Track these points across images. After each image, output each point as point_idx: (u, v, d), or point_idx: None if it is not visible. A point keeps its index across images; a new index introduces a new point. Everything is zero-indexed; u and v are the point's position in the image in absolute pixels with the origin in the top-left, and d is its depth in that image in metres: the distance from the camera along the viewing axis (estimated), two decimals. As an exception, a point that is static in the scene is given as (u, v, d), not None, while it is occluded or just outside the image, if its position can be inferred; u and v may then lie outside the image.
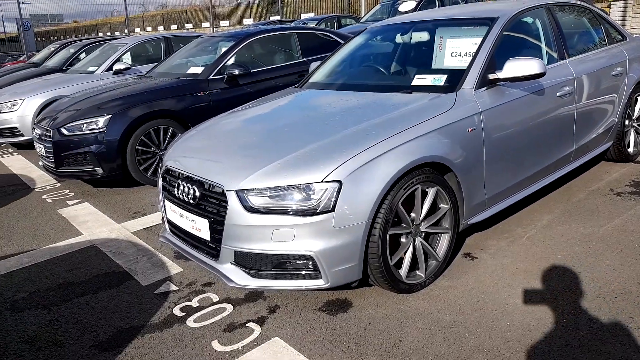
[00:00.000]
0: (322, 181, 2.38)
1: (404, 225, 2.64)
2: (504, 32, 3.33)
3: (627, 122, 4.37)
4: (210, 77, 5.16)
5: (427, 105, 2.88)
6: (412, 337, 2.36)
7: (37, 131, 5.00)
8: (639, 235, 3.16)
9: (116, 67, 7.01)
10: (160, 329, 2.58)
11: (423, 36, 3.75)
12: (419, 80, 3.20)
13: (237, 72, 5.12)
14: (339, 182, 2.38)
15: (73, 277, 3.20)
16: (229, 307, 2.73)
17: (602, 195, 3.82)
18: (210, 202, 2.62)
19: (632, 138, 4.51)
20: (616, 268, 2.80)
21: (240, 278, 2.53)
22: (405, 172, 2.53)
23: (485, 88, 3.04)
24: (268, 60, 5.76)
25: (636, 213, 3.48)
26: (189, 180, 2.76)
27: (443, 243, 2.84)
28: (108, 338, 2.53)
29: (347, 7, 25.47)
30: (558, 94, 3.46)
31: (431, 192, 2.69)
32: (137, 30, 36.43)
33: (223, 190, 2.51)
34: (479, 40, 3.24)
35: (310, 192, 2.38)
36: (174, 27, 32.75)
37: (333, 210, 2.36)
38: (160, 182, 3.07)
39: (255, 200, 2.43)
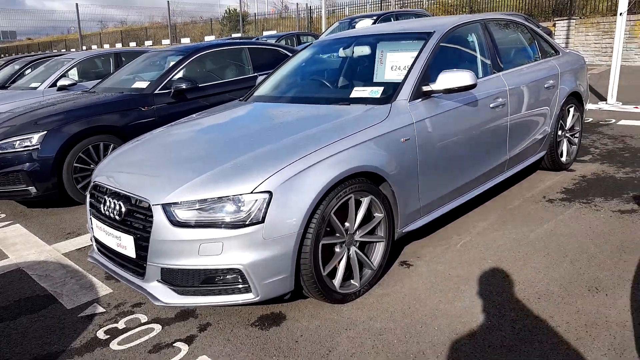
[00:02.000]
0: (252, 192, 2.36)
1: (337, 234, 2.64)
2: (440, 46, 3.44)
3: (560, 132, 4.56)
4: (155, 92, 5.09)
5: (362, 116, 2.92)
6: (342, 347, 2.35)
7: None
8: (565, 239, 3.28)
9: (60, 83, 6.81)
10: (80, 354, 2.46)
11: (365, 50, 3.83)
12: (358, 92, 3.25)
13: (184, 87, 5.06)
14: (270, 192, 2.36)
15: (-11, 303, 3.03)
16: (158, 328, 2.64)
17: (535, 202, 3.96)
18: (136, 218, 2.55)
19: (564, 148, 4.70)
20: (541, 270, 2.89)
21: (167, 296, 2.46)
22: (338, 181, 2.54)
23: (420, 100, 3.12)
24: (218, 74, 5.74)
25: (564, 218, 3.61)
26: (116, 195, 2.69)
27: (378, 252, 2.86)
28: (24, 364, 2.40)
29: (309, 25, 25.81)
30: (491, 105, 3.58)
31: (365, 201, 2.72)
32: (94, 47, 35.64)
33: (149, 205, 2.46)
34: (416, 53, 3.32)
35: (239, 204, 2.36)
36: (132, 44, 32.22)
37: (263, 221, 2.34)
38: (88, 199, 2.98)
39: (183, 214, 2.39)
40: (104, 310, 2.86)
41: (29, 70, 8.80)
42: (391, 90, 3.12)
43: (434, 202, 3.19)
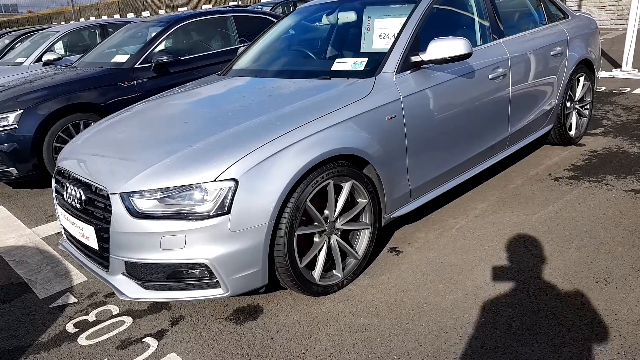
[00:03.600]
0: (215, 180, 2.13)
1: (316, 223, 2.42)
2: (433, 9, 3.14)
3: (568, 104, 4.24)
4: (135, 66, 4.82)
5: (343, 92, 2.65)
6: (320, 345, 2.16)
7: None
8: (571, 223, 3.02)
9: (46, 57, 6.54)
10: (47, 349, 2.32)
11: (351, 16, 3.52)
12: (339, 64, 2.97)
13: (165, 60, 4.79)
14: (235, 180, 2.14)
15: (-38, 291, 2.89)
16: (128, 321, 2.48)
17: (539, 181, 3.69)
18: (97, 207, 2.35)
19: (574, 120, 4.39)
20: (544, 259, 2.65)
21: (133, 290, 2.28)
22: (314, 166, 2.31)
23: (409, 71, 2.84)
24: (202, 46, 5.44)
25: (571, 199, 3.35)
26: (77, 182, 2.48)
27: (363, 240, 2.64)
28: (-16, 363, 2.26)
29: (309, -9, 24.97)
30: (490, 76, 3.28)
31: (346, 186, 2.48)
32: (93, 18, 35.08)
33: (108, 194, 2.25)
34: (405, 19, 3.02)
35: (202, 194, 2.13)
36: (130, 15, 31.61)
37: (229, 212, 2.12)
38: (53, 185, 2.78)
39: (142, 204, 2.17)
40: (76, 300, 2.72)
41: (19, 45, 8.52)
42: (376, 62, 2.84)
43: (426, 185, 2.94)
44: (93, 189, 2.38)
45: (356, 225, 2.60)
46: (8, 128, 4.24)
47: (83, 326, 2.47)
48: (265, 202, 2.17)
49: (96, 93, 4.56)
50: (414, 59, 2.84)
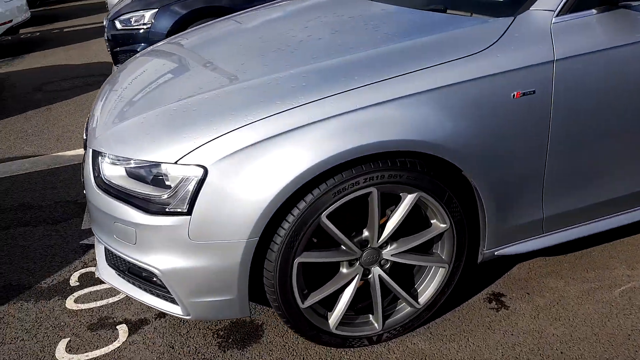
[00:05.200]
0: (176, 162, 1.41)
1: (344, 248, 1.55)
2: None
3: None
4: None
5: (444, 38, 1.54)
6: None
7: (104, 22, 4.68)
8: None
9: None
10: (36, 300, 2.10)
11: None
12: (470, -13, 1.79)
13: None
14: (204, 168, 1.38)
15: (35, 199, 2.87)
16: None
17: None
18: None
19: None
20: None
21: (106, 271, 1.79)
22: (344, 162, 1.39)
23: (594, 12, 1.55)
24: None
25: None
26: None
27: (433, 280, 1.67)
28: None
29: None
30: None
31: (408, 199, 1.51)
32: None
33: (92, 145, 1.73)
34: None
35: (161, 177, 1.45)
36: None
37: (189, 212, 1.41)
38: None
39: (110, 171, 1.58)
40: (100, 242, 2.45)
41: None
42: (531, -12, 1.58)
43: (580, 213, 1.71)
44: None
45: (422, 259, 1.63)
46: (144, 27, 4.08)
47: (84, 281, 2.16)
48: (246, 209, 1.38)
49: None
50: (608, -14, 1.52)
